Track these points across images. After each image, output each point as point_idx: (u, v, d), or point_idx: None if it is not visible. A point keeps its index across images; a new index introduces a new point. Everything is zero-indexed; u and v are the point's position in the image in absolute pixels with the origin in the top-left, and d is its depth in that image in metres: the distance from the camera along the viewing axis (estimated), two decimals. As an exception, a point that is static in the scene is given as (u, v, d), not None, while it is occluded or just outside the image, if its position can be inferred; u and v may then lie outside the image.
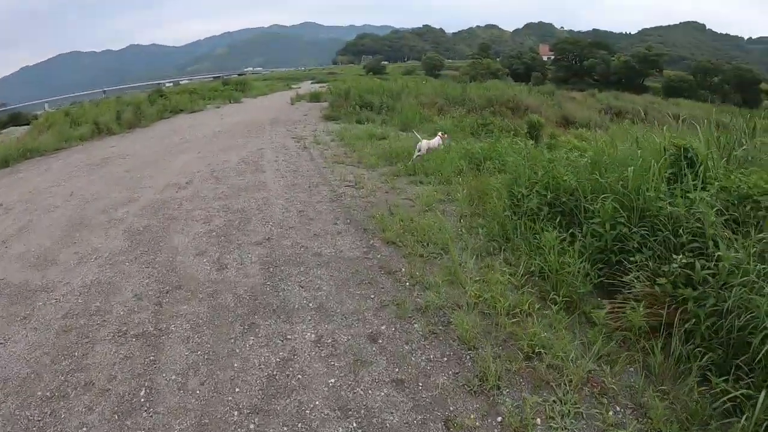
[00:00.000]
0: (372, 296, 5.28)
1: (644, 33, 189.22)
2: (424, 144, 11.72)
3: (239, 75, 73.05)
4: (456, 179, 9.76)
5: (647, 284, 4.47)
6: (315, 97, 29.84)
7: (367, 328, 4.70)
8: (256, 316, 4.95)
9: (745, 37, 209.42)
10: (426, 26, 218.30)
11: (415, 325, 4.72)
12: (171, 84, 53.63)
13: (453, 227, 7.07)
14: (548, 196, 6.43)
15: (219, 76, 61.95)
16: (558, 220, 5.99)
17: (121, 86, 56.15)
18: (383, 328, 4.70)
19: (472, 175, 9.90)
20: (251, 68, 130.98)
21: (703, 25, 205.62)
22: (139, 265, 6.37)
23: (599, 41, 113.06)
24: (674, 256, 4.37)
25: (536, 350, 4.13)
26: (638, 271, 4.66)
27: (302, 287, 5.52)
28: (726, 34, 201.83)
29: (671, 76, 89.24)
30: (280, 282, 5.66)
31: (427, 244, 6.47)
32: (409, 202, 8.62)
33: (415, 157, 11.40)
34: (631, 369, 3.97)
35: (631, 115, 34.39)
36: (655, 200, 5.21)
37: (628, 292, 4.59)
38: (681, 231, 4.70)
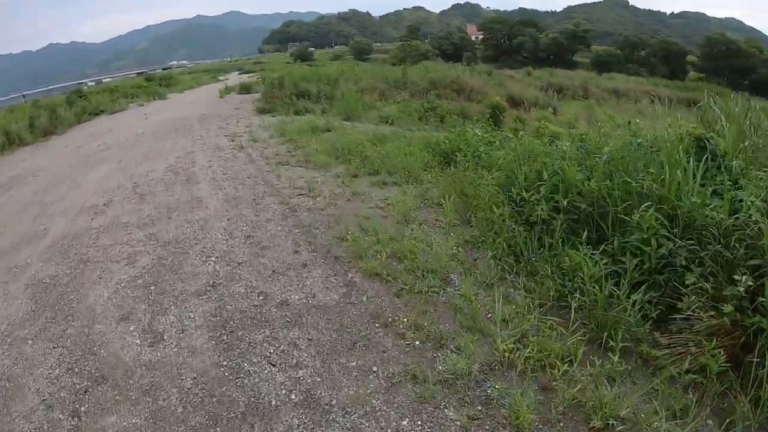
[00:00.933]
0: (374, 368, 3.78)
1: (570, 10, 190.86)
2: None
3: (164, 69, 69.76)
4: (425, 177, 8.32)
5: (711, 313, 3.55)
6: (245, 89, 27.62)
7: (384, 427, 3.19)
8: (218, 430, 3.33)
9: (667, 12, 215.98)
10: (352, 10, 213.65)
11: (448, 412, 3.29)
12: (93, 83, 50.95)
13: (445, 245, 5.58)
14: (562, 203, 5.06)
15: (143, 72, 58.76)
16: (583, 234, 4.67)
17: (41, 88, 52.76)
18: (405, 423, 3.23)
19: (444, 172, 8.46)
20: (176, 62, 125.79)
21: (626, 2, 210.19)
22: (46, 343, 4.46)
23: (527, 19, 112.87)
24: (736, 277, 3.52)
25: (609, 423, 3.08)
26: (694, 296, 3.75)
27: (273, 365, 3.89)
28: (649, 10, 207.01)
29: (599, 51, 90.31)
30: (242, 359, 4.00)
31: (423, 274, 4.98)
32: (380, 212, 7.12)
33: None
34: (710, 422, 3.15)
35: (572, 92, 33.78)
36: (701, 206, 4.22)
37: (685, 322, 3.71)
38: (734, 243, 3.81)
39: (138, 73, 57.02)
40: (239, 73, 56.51)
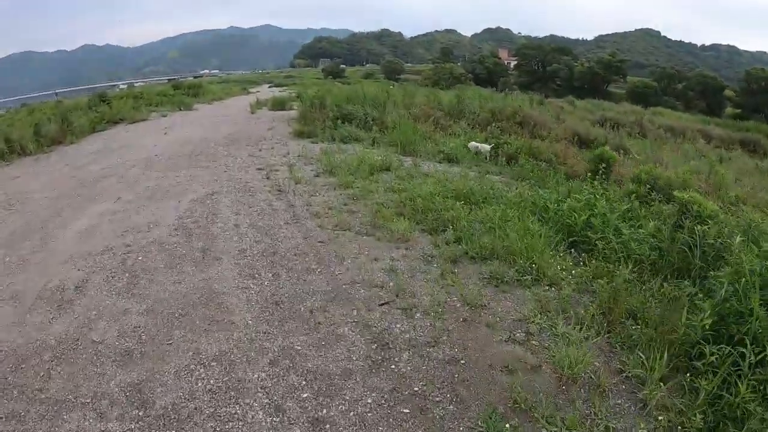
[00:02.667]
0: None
1: (600, 39, 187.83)
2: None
3: (195, 77, 67.56)
4: (559, 272, 5.34)
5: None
6: (279, 104, 24.55)
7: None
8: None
9: (699, 44, 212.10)
10: (384, 30, 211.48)
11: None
12: (125, 86, 49.61)
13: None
14: None
15: (174, 78, 56.41)
16: None
17: (73, 88, 51.63)
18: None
19: (584, 267, 5.49)
20: (207, 70, 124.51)
21: (658, 32, 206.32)
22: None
23: (562, 47, 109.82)
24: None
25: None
26: None
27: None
28: (680, 42, 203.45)
29: (636, 82, 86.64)
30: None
31: None
32: (526, 355, 4.11)
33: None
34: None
35: (627, 128, 30.27)
36: None
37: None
38: None
39: (169, 80, 54.95)
40: (270, 86, 53.94)
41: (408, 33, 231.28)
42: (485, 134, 16.80)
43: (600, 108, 44.39)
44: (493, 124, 18.50)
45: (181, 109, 26.19)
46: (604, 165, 10.94)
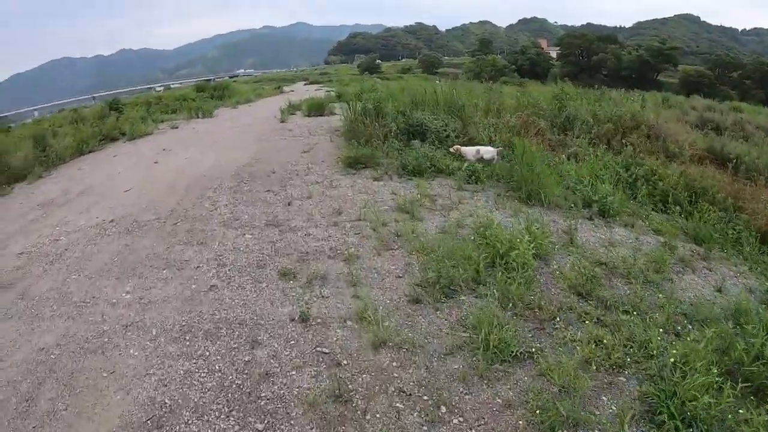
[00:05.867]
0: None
1: (639, 26, 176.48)
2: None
3: (230, 77, 65.04)
4: None
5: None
6: (316, 108, 18.33)
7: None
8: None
9: (740, 29, 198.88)
10: (419, 23, 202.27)
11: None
12: (161, 88, 48.77)
13: None
14: None
15: (209, 79, 53.14)
16: None
17: (111, 91, 51.54)
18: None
19: None
20: (243, 70, 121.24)
21: (698, 17, 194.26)
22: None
23: (608, 35, 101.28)
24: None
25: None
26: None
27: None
28: (721, 26, 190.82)
29: (689, 71, 78.27)
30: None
31: None
32: None
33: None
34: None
35: (728, 131, 23.08)
36: None
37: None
38: None
39: (206, 80, 51.57)
40: (305, 84, 48.62)
41: (442, 26, 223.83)
42: (606, 153, 10.75)
43: (693, 106, 36.91)
44: (621, 139, 12.32)
45: (198, 116, 20.39)
46: None
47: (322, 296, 5.08)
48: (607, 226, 7.04)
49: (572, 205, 7.62)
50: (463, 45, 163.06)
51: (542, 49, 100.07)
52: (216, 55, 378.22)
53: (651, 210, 8.27)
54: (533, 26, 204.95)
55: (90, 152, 14.27)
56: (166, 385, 4.05)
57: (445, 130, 10.97)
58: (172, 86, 52.49)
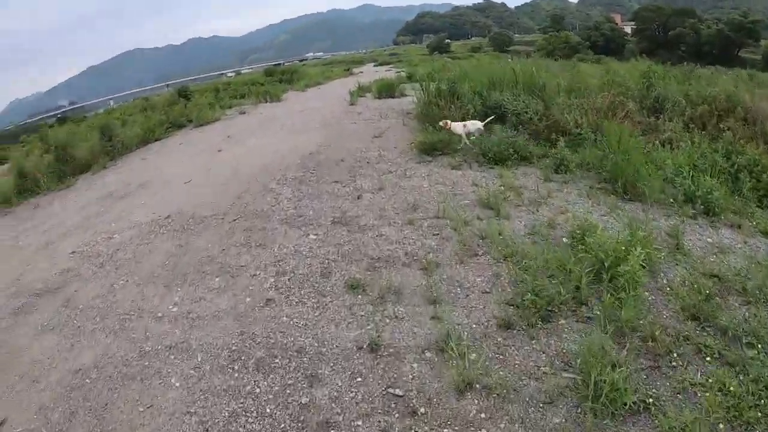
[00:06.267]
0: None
1: None
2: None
3: (300, 61, 66.22)
4: None
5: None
6: (386, 90, 17.37)
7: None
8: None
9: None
10: (487, 1, 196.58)
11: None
12: (233, 74, 50.34)
13: None
14: None
15: (279, 63, 53.68)
16: None
17: (184, 79, 53.00)
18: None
19: None
20: (312, 54, 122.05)
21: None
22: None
23: (685, 8, 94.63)
24: None
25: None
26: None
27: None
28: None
29: (776, 46, 71.98)
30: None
31: None
32: None
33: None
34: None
35: None
36: None
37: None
38: None
39: (276, 65, 52.08)
40: (374, 65, 48.05)
41: (511, 3, 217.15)
42: (703, 139, 9.20)
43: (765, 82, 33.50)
44: (716, 123, 10.69)
45: (267, 101, 19.89)
46: None
47: (396, 317, 4.19)
48: (713, 227, 5.77)
49: (672, 201, 6.38)
50: (534, 22, 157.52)
51: (616, 24, 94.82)
52: (285, 40, 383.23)
53: (755, 207, 6.89)
54: (605, 1, 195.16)
55: (156, 140, 14.02)
56: (207, 431, 3.28)
57: (526, 112, 9.78)
58: (242, 71, 53.57)
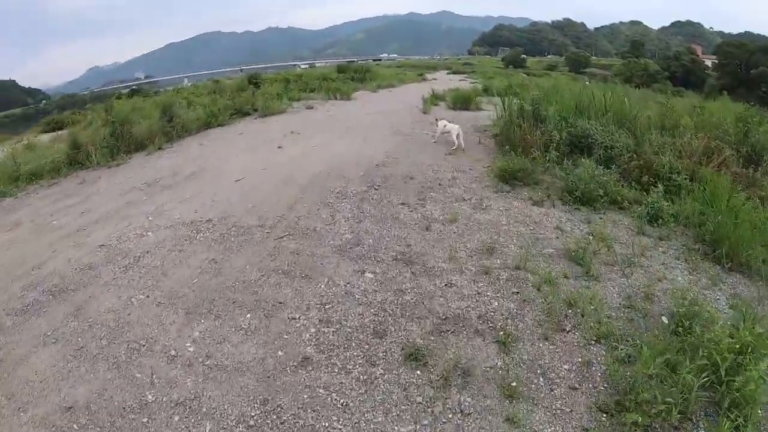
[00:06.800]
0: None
1: None
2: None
3: (374, 60, 66.97)
4: None
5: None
6: (462, 102, 16.30)
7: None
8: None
9: None
10: (566, 19, 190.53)
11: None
12: (306, 65, 51.95)
13: None
14: None
15: (353, 61, 54.23)
16: None
17: (258, 65, 54.04)
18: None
19: None
20: (386, 54, 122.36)
21: None
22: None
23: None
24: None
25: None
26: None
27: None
28: None
29: None
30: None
31: None
32: None
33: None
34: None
35: None
36: None
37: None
38: None
39: (348, 61, 52.14)
40: (448, 73, 46.96)
41: (591, 23, 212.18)
42: None
43: None
44: None
45: (336, 98, 19.18)
46: None
47: (461, 410, 3.20)
48: None
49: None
50: (612, 45, 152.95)
51: (697, 56, 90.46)
52: (360, 38, 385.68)
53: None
54: (687, 30, 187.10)
55: (219, 126, 13.41)
56: None
57: (616, 147, 8.57)
58: (316, 65, 53.84)
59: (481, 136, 10.61)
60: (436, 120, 10.11)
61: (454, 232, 5.64)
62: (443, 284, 4.53)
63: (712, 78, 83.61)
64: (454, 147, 9.25)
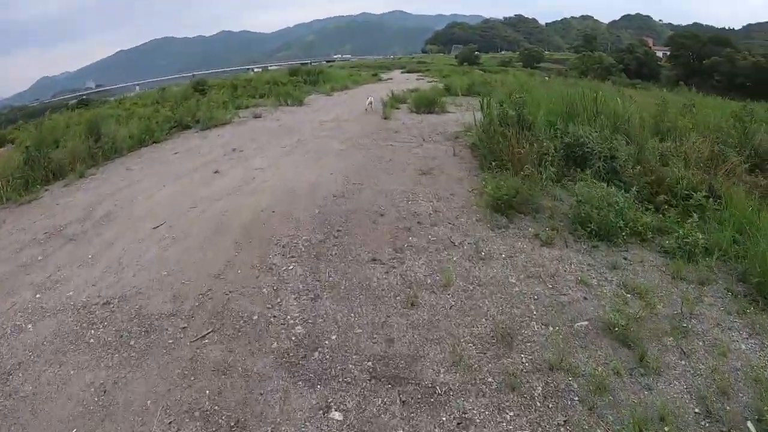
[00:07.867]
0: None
1: (750, 29, 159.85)
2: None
3: (327, 62, 67.01)
4: None
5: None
6: (426, 104, 14.31)
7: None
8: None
9: None
10: (518, 16, 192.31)
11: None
12: (259, 69, 52.25)
13: None
14: None
15: (306, 63, 53.87)
16: None
17: (209, 71, 53.11)
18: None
19: None
20: (340, 55, 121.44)
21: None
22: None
23: (721, 37, 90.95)
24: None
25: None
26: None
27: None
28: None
29: (812, 80, 68.35)
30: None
31: None
32: None
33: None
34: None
35: None
36: None
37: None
38: None
39: (303, 63, 50.93)
40: (402, 72, 45.64)
41: (543, 19, 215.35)
42: None
43: None
44: None
45: (287, 104, 17.35)
46: None
47: None
48: None
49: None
50: (564, 40, 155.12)
51: (650, 48, 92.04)
52: (313, 40, 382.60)
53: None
54: (637, 23, 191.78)
55: (154, 143, 11.59)
56: None
57: (617, 157, 7.06)
58: (270, 68, 53.03)
59: (455, 146, 9.01)
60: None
61: (451, 306, 3.99)
62: (454, 422, 2.84)
63: (665, 69, 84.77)
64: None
